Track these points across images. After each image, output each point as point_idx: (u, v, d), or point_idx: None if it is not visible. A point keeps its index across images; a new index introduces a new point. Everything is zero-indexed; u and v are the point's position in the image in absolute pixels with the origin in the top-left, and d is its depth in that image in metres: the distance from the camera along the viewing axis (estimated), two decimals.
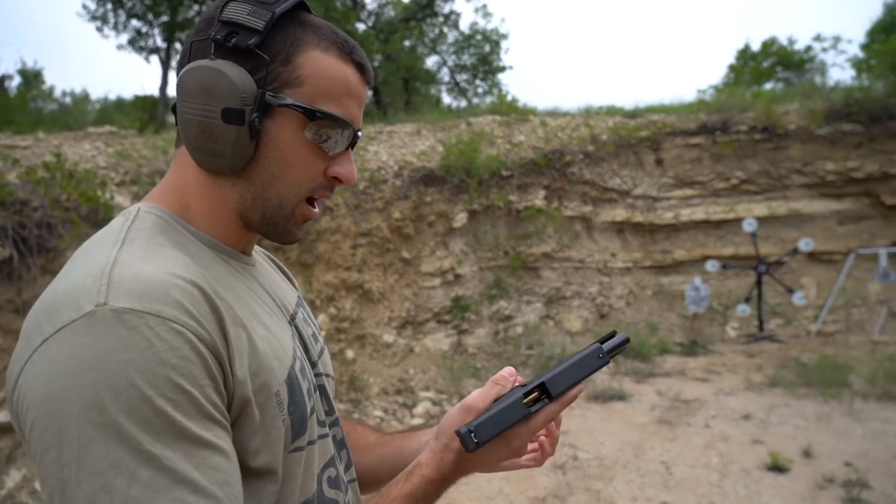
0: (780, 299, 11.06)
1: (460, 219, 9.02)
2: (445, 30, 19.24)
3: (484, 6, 20.79)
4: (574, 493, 4.47)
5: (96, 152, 7.10)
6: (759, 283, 10.26)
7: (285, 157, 0.74)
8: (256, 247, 0.89)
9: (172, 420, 0.58)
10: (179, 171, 0.77)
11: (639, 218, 11.74)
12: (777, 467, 4.79)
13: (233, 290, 0.73)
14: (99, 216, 5.57)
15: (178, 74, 0.73)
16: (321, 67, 0.73)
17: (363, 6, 17.14)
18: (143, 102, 13.85)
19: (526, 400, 0.80)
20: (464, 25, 20.25)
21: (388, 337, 7.79)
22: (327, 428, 0.85)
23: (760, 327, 10.13)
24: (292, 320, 0.85)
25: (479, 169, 9.20)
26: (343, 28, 12.79)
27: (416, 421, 6.23)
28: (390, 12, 18.26)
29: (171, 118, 15.03)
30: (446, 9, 18.70)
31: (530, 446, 0.94)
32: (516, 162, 9.95)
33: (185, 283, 0.64)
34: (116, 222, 0.73)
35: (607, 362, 0.84)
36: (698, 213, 11.98)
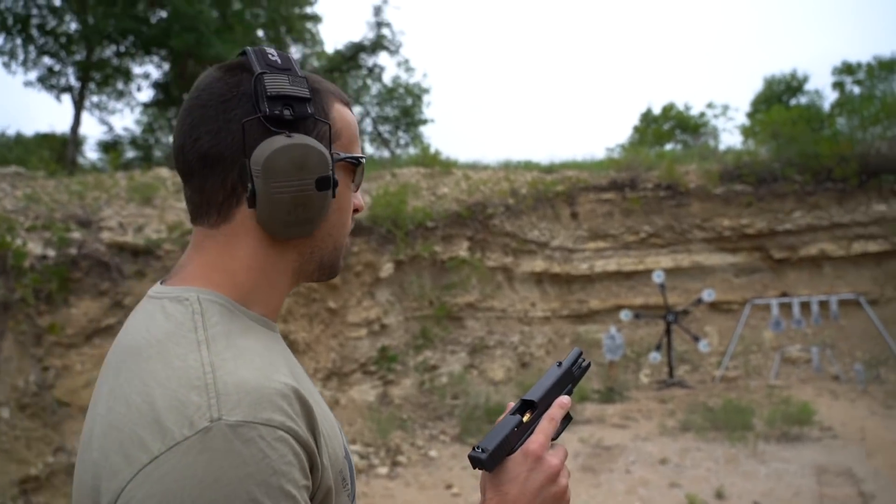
0: (687, 346, 11.75)
1: (387, 269, 9.09)
2: (369, 82, 19.66)
3: (406, 61, 21.46)
4: None
5: (2, 194, 6.69)
6: (668, 331, 10.88)
7: (341, 206, 0.79)
8: None
9: None
10: (225, 249, 0.75)
11: (556, 269, 12.24)
12: None
13: (298, 373, 0.74)
14: (7, 263, 5.23)
15: (225, 152, 0.72)
16: (345, 118, 0.79)
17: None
18: (50, 142, 13.14)
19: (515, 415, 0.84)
20: (387, 79, 20.75)
21: None
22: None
23: (671, 374, 10.71)
24: None
25: (406, 220, 9.36)
26: None
27: None
28: (314, 62, 18.48)
29: (82, 159, 14.31)
30: (370, 62, 19.18)
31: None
32: (441, 213, 10.20)
33: (283, 385, 0.65)
34: (179, 313, 0.70)
35: (568, 369, 0.91)
36: (611, 265, 12.64)
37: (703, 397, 9.42)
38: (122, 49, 14.28)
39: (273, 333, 0.78)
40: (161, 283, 0.78)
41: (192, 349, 0.66)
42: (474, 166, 13.13)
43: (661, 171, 12.93)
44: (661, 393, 10.10)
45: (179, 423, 0.59)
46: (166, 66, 15.03)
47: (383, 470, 6.40)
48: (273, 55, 0.74)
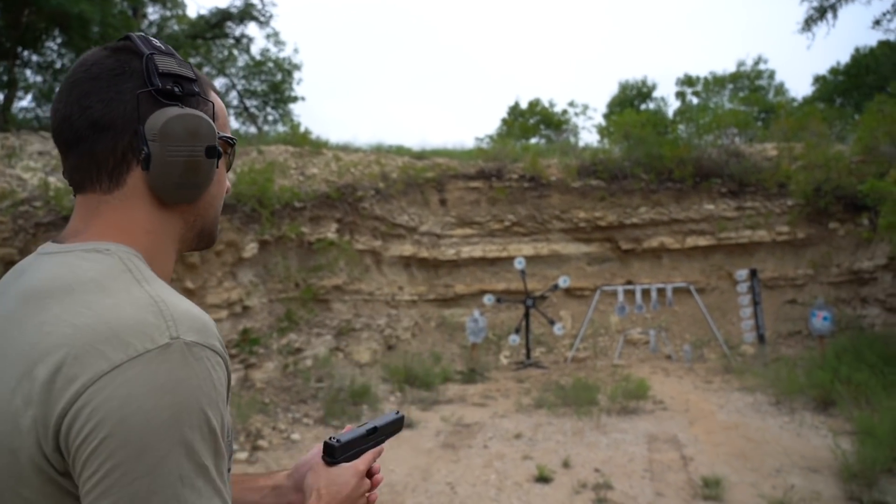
0: (544, 329, 12.51)
1: (250, 249, 8.76)
2: (236, 53, 18.63)
3: (277, 34, 20.52)
4: None
5: None
6: (526, 315, 11.51)
7: (219, 179, 0.89)
8: None
9: (216, 437, 0.69)
10: (124, 213, 0.80)
11: (424, 253, 12.46)
12: (543, 478, 5.45)
13: None
14: None
15: (117, 120, 0.77)
16: (219, 104, 0.89)
17: (145, 16, 15.89)
18: None
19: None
20: (255, 51, 19.74)
21: None
22: None
23: (528, 355, 11.35)
24: None
25: (273, 199, 9.06)
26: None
27: None
28: (174, 26, 17.18)
29: None
30: (237, 31, 18.16)
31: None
32: (310, 194, 9.99)
33: (215, 324, 0.76)
34: (104, 259, 0.75)
35: (386, 425, 1.10)
36: (476, 251, 13.11)
37: (556, 376, 10.11)
38: None
39: None
40: (54, 242, 0.80)
41: (134, 284, 0.73)
42: (345, 148, 12.96)
43: (525, 163, 13.56)
44: (518, 373, 10.69)
45: (141, 338, 0.66)
46: None
47: (242, 455, 6.22)
48: (157, 42, 0.82)
